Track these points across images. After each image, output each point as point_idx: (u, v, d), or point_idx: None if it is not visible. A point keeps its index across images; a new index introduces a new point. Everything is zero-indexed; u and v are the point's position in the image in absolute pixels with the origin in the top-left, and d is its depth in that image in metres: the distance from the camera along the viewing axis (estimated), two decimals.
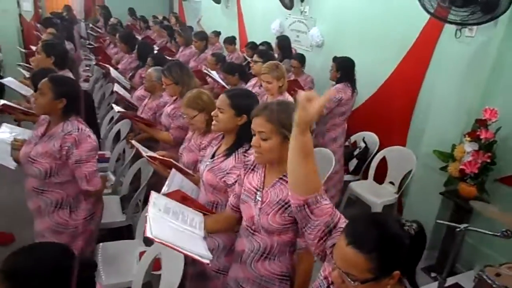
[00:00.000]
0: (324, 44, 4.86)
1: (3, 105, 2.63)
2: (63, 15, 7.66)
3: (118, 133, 3.58)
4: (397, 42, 3.72)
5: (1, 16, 6.35)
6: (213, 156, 1.86)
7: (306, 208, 1.16)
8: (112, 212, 2.75)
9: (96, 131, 2.12)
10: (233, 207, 1.67)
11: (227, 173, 1.75)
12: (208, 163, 1.85)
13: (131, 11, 8.93)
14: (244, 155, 1.74)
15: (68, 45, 4.85)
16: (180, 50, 5.58)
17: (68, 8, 8.22)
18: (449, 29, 2.92)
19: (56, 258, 1.10)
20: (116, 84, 3.59)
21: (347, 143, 4.03)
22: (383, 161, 3.66)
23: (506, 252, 2.67)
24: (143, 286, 2.06)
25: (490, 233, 1.77)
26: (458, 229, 1.81)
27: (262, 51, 4.03)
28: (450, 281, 2.71)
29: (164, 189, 1.78)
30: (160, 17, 8.24)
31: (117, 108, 2.93)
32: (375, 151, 3.79)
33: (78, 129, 1.93)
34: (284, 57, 4.50)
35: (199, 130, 2.22)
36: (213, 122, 1.83)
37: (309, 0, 5.04)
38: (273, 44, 4.92)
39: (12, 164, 2.08)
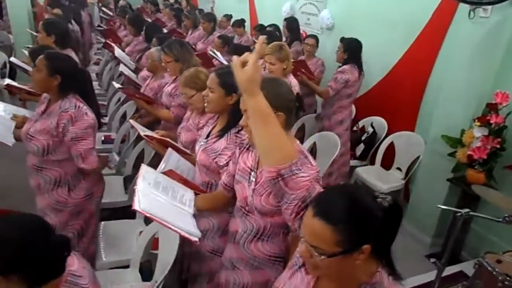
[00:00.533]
0: (335, 27, 4.75)
1: (8, 85, 2.65)
2: None
3: (124, 114, 3.59)
4: (409, 24, 3.60)
5: None
6: (207, 136, 1.83)
7: (280, 180, 1.10)
8: (116, 192, 2.77)
9: (96, 110, 2.09)
10: (225, 186, 1.65)
11: (219, 154, 1.72)
12: (202, 143, 1.82)
13: None
14: (236, 136, 1.71)
15: (75, 27, 4.84)
16: (189, 32, 5.53)
17: None
18: (462, 9, 2.80)
19: (30, 231, 1.10)
20: (121, 65, 3.59)
21: (355, 128, 3.97)
22: (391, 146, 3.60)
23: None
24: (142, 264, 2.08)
25: (492, 218, 1.71)
26: (459, 214, 1.76)
27: (267, 32, 3.94)
28: (454, 268, 2.66)
29: (160, 167, 1.77)
30: (171, 0, 8.17)
31: (116, 85, 2.92)
32: (383, 136, 3.72)
33: (75, 106, 1.92)
34: (293, 39, 4.40)
35: (197, 110, 2.18)
36: (205, 103, 1.79)
37: None
38: (282, 27, 4.82)
39: (10, 141, 2.08)
